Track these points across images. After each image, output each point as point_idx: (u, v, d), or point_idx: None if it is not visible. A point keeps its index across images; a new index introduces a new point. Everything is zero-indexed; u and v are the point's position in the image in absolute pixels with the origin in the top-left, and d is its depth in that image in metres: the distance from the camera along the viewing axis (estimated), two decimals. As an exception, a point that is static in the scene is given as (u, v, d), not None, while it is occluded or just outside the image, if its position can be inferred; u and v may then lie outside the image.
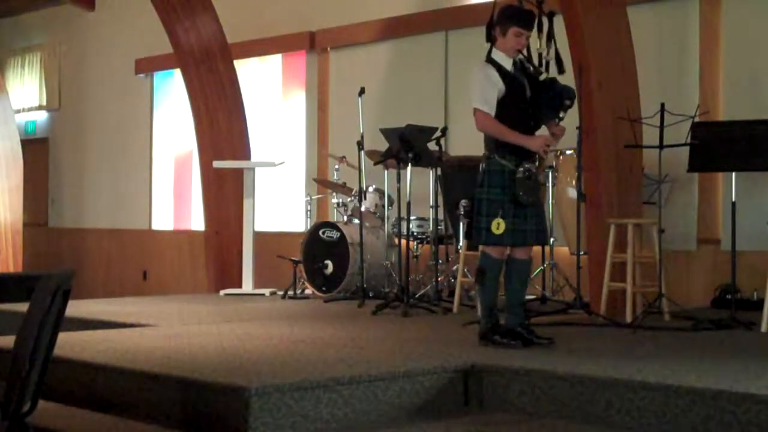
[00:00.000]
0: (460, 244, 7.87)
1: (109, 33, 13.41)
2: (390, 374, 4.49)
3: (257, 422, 4.01)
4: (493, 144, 5.43)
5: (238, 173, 9.65)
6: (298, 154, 11.13)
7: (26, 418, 3.48)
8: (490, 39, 5.55)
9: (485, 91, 5.38)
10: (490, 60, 5.45)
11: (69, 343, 5.36)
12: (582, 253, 7.39)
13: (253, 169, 9.50)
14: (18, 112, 14.18)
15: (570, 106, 5.47)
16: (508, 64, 5.44)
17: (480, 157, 8.27)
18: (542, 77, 5.53)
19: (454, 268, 8.17)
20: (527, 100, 5.44)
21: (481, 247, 5.54)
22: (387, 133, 7.68)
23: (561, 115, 5.49)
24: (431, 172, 8.32)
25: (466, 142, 8.85)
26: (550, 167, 7.88)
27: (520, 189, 5.34)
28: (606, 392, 4.29)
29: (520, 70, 5.47)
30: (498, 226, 5.34)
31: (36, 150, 14.39)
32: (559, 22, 7.06)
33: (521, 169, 5.35)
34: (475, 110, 5.39)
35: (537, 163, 5.43)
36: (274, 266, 9.90)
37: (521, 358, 4.93)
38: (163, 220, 12.85)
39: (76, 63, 14.02)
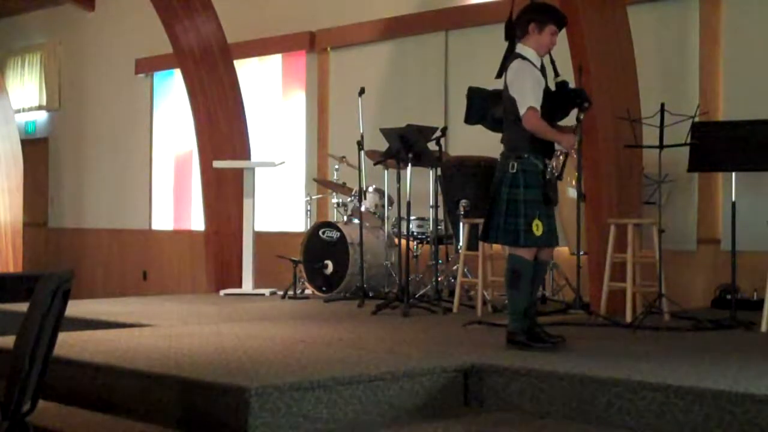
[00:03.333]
0: (460, 244, 7.87)
1: (109, 33, 13.41)
2: (390, 374, 4.48)
3: (257, 422, 4.01)
4: (527, 144, 5.33)
5: (238, 173, 9.65)
6: (298, 154, 11.13)
7: (26, 418, 3.48)
8: (513, 36, 5.45)
9: (536, 89, 5.31)
10: (524, 57, 5.36)
11: (69, 343, 5.36)
12: (582, 253, 7.39)
13: (253, 169, 9.49)
14: (18, 112, 14.18)
15: (588, 108, 5.50)
16: (537, 62, 5.40)
17: (479, 158, 8.40)
18: (559, 79, 5.51)
19: (454, 268, 8.17)
20: (548, 99, 5.44)
21: (509, 249, 5.43)
22: (387, 133, 7.68)
23: (581, 116, 5.56)
24: (431, 172, 8.33)
25: (466, 142, 8.87)
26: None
27: (549, 189, 5.36)
28: (606, 392, 4.29)
29: (541, 70, 5.46)
30: (537, 227, 5.30)
31: (36, 150, 14.39)
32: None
33: (549, 168, 5.36)
34: (529, 109, 5.27)
35: (562, 162, 5.46)
36: (274, 266, 9.90)
37: (521, 358, 4.93)
38: (163, 220, 12.85)
39: (76, 63, 14.02)
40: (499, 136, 5.61)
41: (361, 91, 8.27)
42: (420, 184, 8.40)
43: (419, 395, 4.56)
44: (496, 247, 7.42)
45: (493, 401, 4.65)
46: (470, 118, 5.70)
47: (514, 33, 5.50)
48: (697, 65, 8.10)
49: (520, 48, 5.41)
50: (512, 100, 5.34)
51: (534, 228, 5.29)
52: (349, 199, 9.11)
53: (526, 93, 5.28)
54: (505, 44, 5.61)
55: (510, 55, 5.45)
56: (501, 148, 5.48)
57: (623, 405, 4.22)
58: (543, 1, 5.84)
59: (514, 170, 5.33)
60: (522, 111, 5.27)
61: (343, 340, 5.69)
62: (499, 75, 5.49)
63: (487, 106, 5.68)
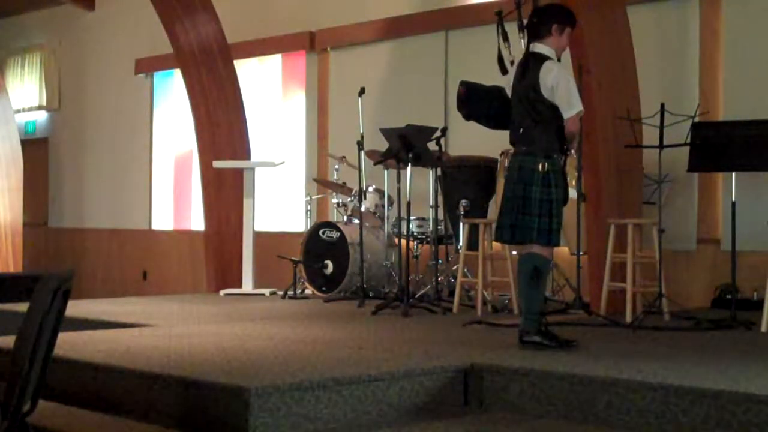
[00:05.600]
0: (460, 244, 7.86)
1: (109, 33, 13.41)
2: (390, 374, 4.49)
3: (257, 422, 4.01)
4: (557, 144, 5.35)
5: (238, 173, 9.66)
6: (298, 154, 11.13)
7: (26, 418, 3.47)
8: (538, 35, 5.41)
9: (578, 92, 5.35)
10: (552, 59, 5.36)
11: (69, 343, 5.36)
12: (582, 253, 7.39)
13: (253, 169, 9.50)
14: (18, 112, 14.17)
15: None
16: None
17: (479, 158, 8.40)
18: None
19: (454, 268, 8.17)
20: None
21: (529, 248, 5.38)
22: (387, 133, 7.68)
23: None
24: (431, 172, 8.32)
25: (466, 142, 8.88)
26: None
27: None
28: (606, 392, 4.29)
29: None
30: (561, 226, 5.38)
31: (36, 150, 14.39)
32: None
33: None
34: (578, 112, 5.30)
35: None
36: (274, 266, 9.90)
37: (521, 358, 4.93)
38: (163, 220, 12.85)
39: (76, 63, 14.02)
40: (498, 133, 5.61)
41: (361, 91, 8.28)
42: (420, 184, 8.40)
43: (419, 395, 4.56)
44: (496, 246, 7.43)
45: (493, 401, 4.65)
46: (470, 115, 5.68)
47: (534, 32, 5.46)
48: (697, 65, 8.10)
49: (544, 49, 5.38)
50: (545, 102, 5.28)
51: (560, 227, 5.37)
52: (349, 199, 9.10)
53: (573, 97, 5.31)
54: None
55: (530, 56, 5.40)
56: (500, 148, 5.47)
57: (623, 405, 4.22)
58: (555, 2, 5.85)
59: (545, 170, 5.31)
60: (572, 114, 5.28)
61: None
62: (506, 72, 5.47)
63: (487, 104, 5.67)
